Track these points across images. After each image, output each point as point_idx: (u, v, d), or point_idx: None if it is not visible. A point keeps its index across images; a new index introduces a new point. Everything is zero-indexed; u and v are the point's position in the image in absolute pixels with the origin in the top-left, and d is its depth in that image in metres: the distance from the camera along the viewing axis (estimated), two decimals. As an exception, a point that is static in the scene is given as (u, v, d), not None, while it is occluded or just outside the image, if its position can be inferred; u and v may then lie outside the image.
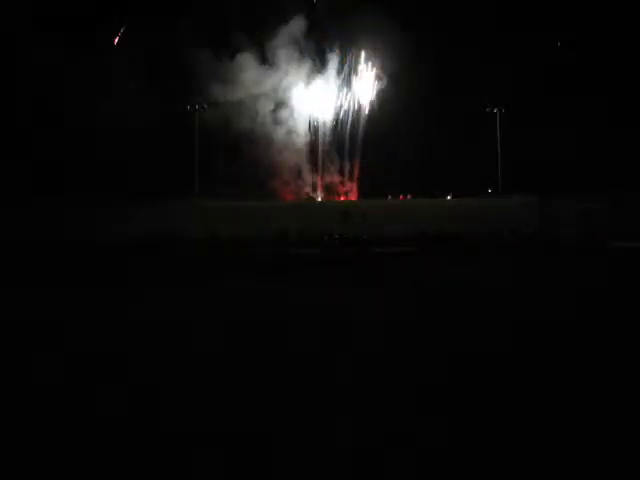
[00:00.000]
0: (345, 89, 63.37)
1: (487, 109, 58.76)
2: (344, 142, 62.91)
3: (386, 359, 9.69)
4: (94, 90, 52.17)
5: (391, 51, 58.48)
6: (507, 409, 7.43)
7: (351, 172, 63.20)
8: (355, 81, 63.13)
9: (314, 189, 63.51)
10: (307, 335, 11.48)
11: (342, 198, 62.86)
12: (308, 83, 62.01)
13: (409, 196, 60.68)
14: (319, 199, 62.85)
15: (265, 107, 60.11)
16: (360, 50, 62.20)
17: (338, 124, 63.38)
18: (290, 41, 59.28)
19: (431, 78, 54.48)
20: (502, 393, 8.01)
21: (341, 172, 63.49)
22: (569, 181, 47.08)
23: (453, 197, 58.42)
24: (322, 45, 61.35)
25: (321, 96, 62.50)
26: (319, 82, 62.27)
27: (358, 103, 63.16)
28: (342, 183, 63.59)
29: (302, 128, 62.55)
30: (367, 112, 62.69)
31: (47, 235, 29.77)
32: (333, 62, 62.20)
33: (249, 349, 10.43)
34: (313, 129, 63.35)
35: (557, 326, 11.98)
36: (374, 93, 62.61)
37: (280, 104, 61.14)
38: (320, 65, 62.00)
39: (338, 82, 63.10)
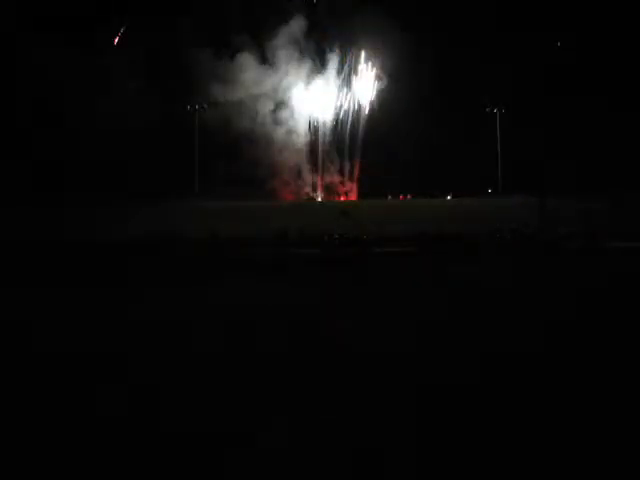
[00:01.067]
0: (345, 89, 63.35)
1: (487, 109, 58.77)
2: (344, 142, 62.88)
3: (385, 360, 9.69)
4: (94, 90, 52.15)
5: (391, 51, 58.43)
6: (510, 410, 7.43)
7: (351, 172, 63.18)
8: (355, 81, 63.10)
9: (314, 189, 63.49)
10: (306, 336, 11.50)
11: (342, 198, 62.84)
12: (308, 83, 61.97)
13: (409, 196, 60.65)
14: (319, 199, 62.83)
15: (265, 107, 60.07)
16: (360, 50, 62.17)
17: (338, 124, 63.37)
18: (290, 41, 59.24)
19: (431, 78, 54.46)
20: (503, 393, 8.02)
21: (341, 172, 63.45)
22: (569, 181, 47.09)
23: (453, 197, 58.40)
24: (322, 45, 61.33)
25: (321, 96, 62.45)
26: (319, 82, 62.23)
27: (358, 103, 63.14)
28: (342, 183, 63.56)
29: (302, 128, 62.53)
30: (367, 112, 62.67)
31: (47, 235, 29.77)
32: (333, 62, 62.17)
33: (247, 349, 10.43)
34: (313, 129, 63.33)
35: (557, 326, 11.98)
36: (374, 93, 62.59)
37: (280, 104, 61.11)
38: (320, 65, 62.00)
39: (338, 82, 63.06)
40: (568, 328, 11.80)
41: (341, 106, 63.35)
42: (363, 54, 62.26)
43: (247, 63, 58.46)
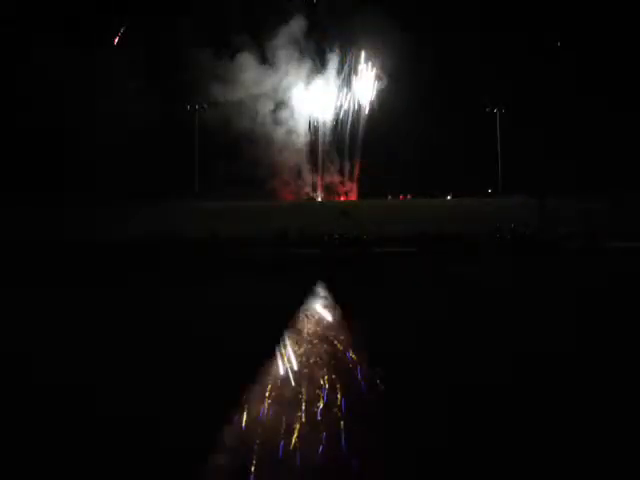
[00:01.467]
0: (345, 89, 63.35)
1: (487, 109, 58.79)
2: (344, 142, 62.90)
3: (385, 360, 9.70)
4: (94, 90, 52.14)
5: (391, 51, 58.45)
6: (510, 409, 7.44)
7: (351, 172, 63.18)
8: (355, 81, 63.10)
9: (314, 189, 63.50)
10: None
11: (342, 198, 62.84)
12: (308, 83, 61.98)
13: (409, 196, 60.64)
14: (319, 199, 62.82)
15: (265, 107, 60.09)
16: (360, 50, 62.18)
17: (338, 124, 63.37)
18: (290, 41, 59.26)
19: (431, 78, 54.48)
20: (502, 393, 8.02)
21: (341, 172, 63.46)
22: (569, 181, 47.09)
23: (453, 197, 58.39)
24: (322, 45, 61.34)
25: (321, 96, 62.45)
26: (319, 82, 62.23)
27: (358, 103, 63.14)
28: (342, 183, 63.56)
29: (302, 128, 62.53)
30: (367, 112, 62.69)
31: (47, 235, 29.78)
32: (333, 62, 62.19)
33: (246, 349, 10.43)
34: (313, 129, 63.33)
35: (557, 327, 11.98)
36: (374, 93, 62.61)
37: (280, 104, 61.12)
38: (320, 65, 62.01)
39: (338, 82, 63.06)
40: (568, 328, 11.80)
41: (341, 106, 63.38)
42: (363, 54, 62.30)
43: (247, 63, 58.47)
